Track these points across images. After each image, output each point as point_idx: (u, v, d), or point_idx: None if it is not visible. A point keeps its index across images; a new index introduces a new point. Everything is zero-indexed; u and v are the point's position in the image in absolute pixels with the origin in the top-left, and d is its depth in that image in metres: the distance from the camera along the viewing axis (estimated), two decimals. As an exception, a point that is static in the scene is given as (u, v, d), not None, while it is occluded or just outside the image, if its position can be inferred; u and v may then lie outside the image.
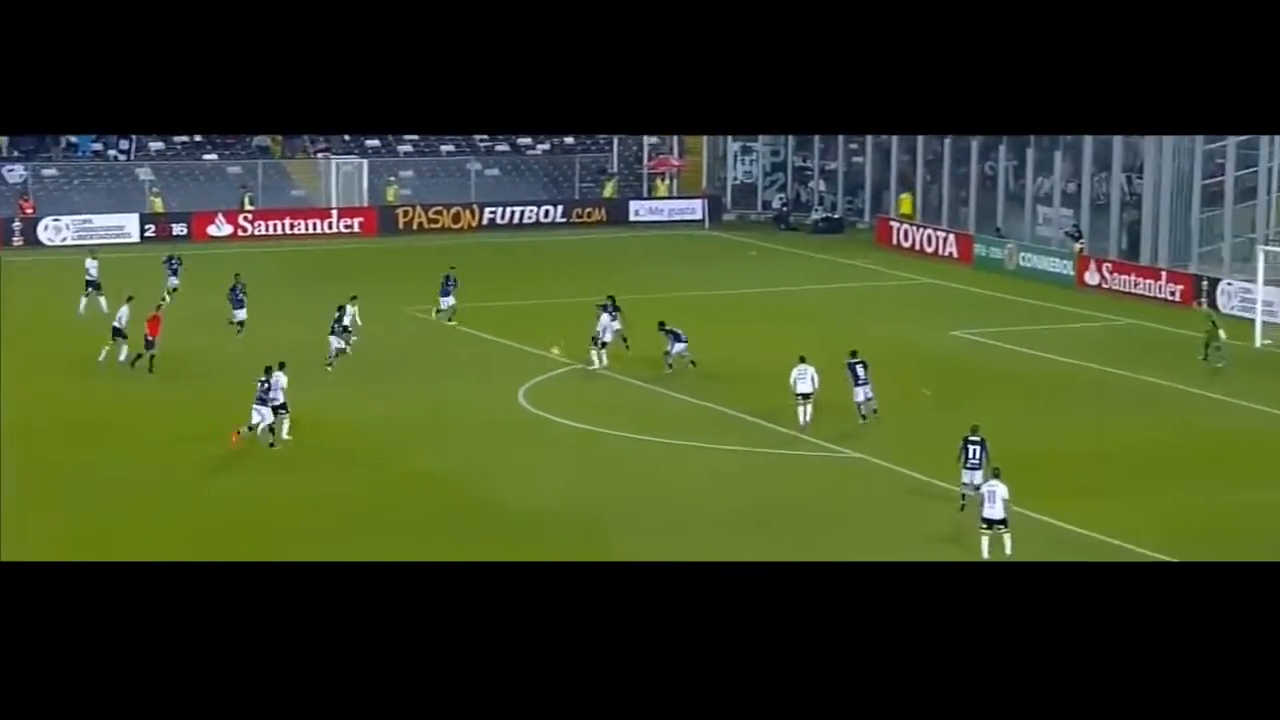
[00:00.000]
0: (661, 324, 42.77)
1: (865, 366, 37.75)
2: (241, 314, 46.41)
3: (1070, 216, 59.33)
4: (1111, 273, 54.98)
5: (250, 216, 64.62)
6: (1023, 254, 58.22)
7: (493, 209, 67.49)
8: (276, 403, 35.45)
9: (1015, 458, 31.71)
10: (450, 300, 47.56)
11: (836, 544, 30.09)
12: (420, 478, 34.18)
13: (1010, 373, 44.04)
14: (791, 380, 37.60)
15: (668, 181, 70.85)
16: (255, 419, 35.54)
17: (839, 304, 53.28)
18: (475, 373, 42.64)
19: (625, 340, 43.33)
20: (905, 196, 65.96)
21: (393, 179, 67.78)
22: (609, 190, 70.02)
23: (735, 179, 71.78)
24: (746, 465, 35.29)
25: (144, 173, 66.66)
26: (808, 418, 37.23)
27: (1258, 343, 46.28)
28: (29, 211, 63.15)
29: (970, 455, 31.66)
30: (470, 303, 47.82)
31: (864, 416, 37.65)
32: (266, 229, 64.71)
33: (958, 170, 64.14)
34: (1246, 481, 34.34)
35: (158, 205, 64.57)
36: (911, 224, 63.34)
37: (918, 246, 62.10)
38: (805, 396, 37.34)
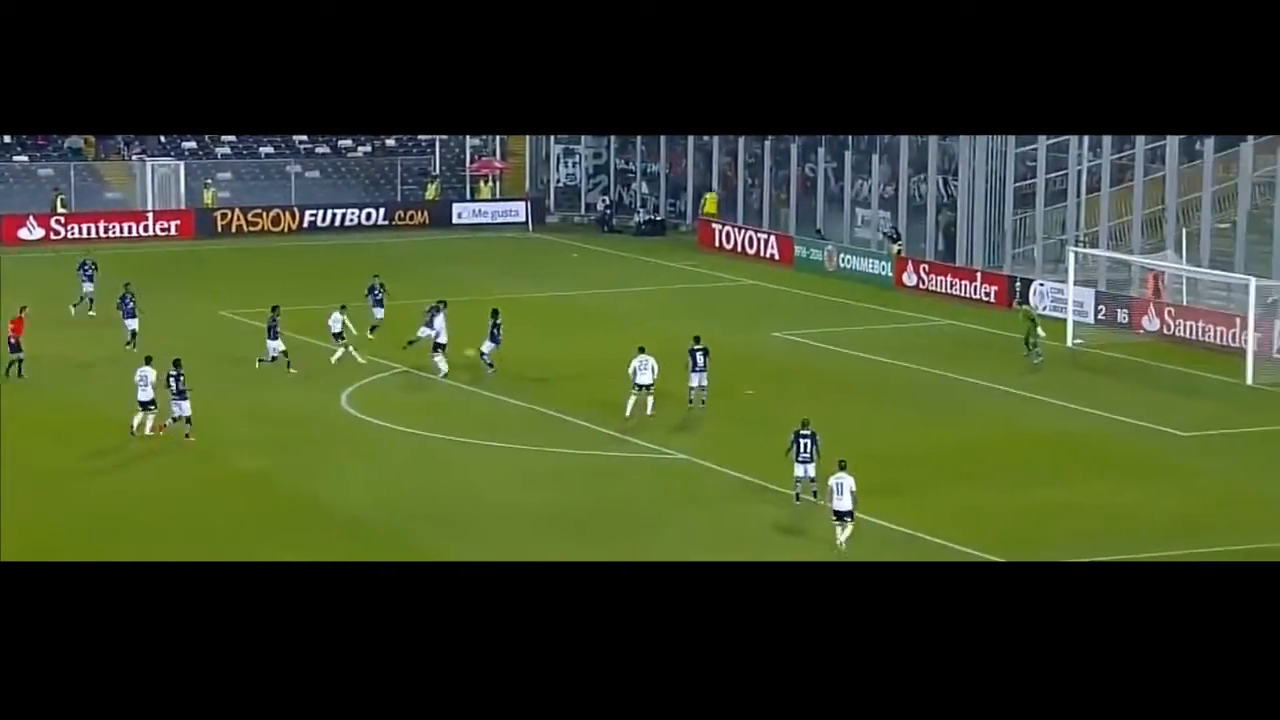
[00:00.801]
0: (495, 314, 43.01)
1: (705, 354, 38.72)
2: (133, 324, 45.38)
3: (888, 219, 60.59)
4: (928, 274, 56.26)
5: (63, 219, 63.86)
6: (842, 256, 59.35)
7: (313, 211, 67.33)
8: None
9: (834, 457, 32.53)
10: (380, 312, 46.93)
11: (658, 544, 30.72)
12: (241, 478, 34.29)
13: (830, 373, 45.01)
14: (631, 370, 38.37)
15: (490, 184, 71.18)
16: (176, 412, 36.28)
17: (662, 306, 53.99)
18: (298, 376, 42.68)
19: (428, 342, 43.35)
20: (710, 196, 67.00)
21: (210, 181, 67.35)
22: (431, 192, 70.18)
23: (558, 181, 72.29)
24: (569, 466, 35.81)
25: (-49, 174, 65.67)
26: (649, 410, 38.02)
27: (1070, 342, 47.69)
28: None
29: (801, 449, 32.51)
30: (292, 305, 47.79)
31: (691, 402, 38.49)
32: (80, 232, 63.97)
33: (778, 172, 65.16)
34: (1061, 479, 35.56)
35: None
36: (733, 226, 64.24)
37: (739, 248, 63.01)
38: (645, 388, 38.12)
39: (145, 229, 65.03)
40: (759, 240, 62.67)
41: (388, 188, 70.42)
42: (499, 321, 42.99)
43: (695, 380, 39.02)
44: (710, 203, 67.04)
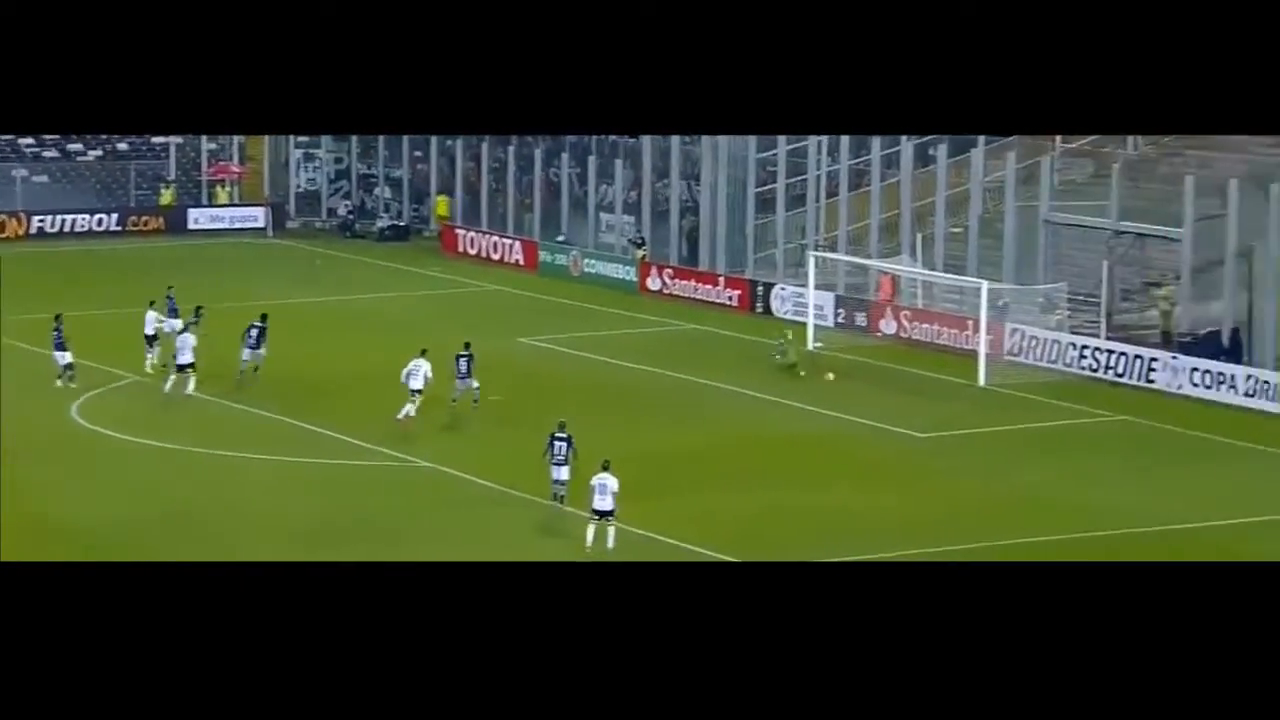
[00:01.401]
0: (264, 318, 42.98)
1: (470, 360, 39.54)
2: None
3: (633, 223, 61.45)
4: (672, 279, 57.22)
5: None
6: (587, 261, 60.06)
7: (42, 217, 65.99)
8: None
9: (581, 461, 33.11)
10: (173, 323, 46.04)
11: (407, 554, 30.96)
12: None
13: (576, 378, 45.64)
14: (404, 375, 38.83)
15: (228, 189, 70.47)
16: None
17: (407, 312, 54.12)
18: (23, 387, 41.84)
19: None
20: (442, 198, 67.41)
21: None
22: (167, 198, 69.26)
23: (298, 186, 71.85)
24: (317, 476, 35.90)
25: None
26: (412, 412, 38.58)
27: (810, 345, 48.95)
28: None
29: (556, 451, 33.01)
30: (16, 315, 46.90)
31: (454, 401, 39.46)
32: None
33: (523, 177, 65.63)
34: (801, 481, 36.61)
35: None
36: (477, 231, 64.54)
37: (484, 253, 63.36)
38: (417, 392, 38.68)
39: None
40: (503, 245, 63.10)
41: (120, 193, 69.30)
42: (264, 327, 42.78)
43: (460, 386, 39.39)
44: (441, 205, 67.39)
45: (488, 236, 63.97)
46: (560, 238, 62.64)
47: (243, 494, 34.45)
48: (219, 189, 70.34)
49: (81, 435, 38.57)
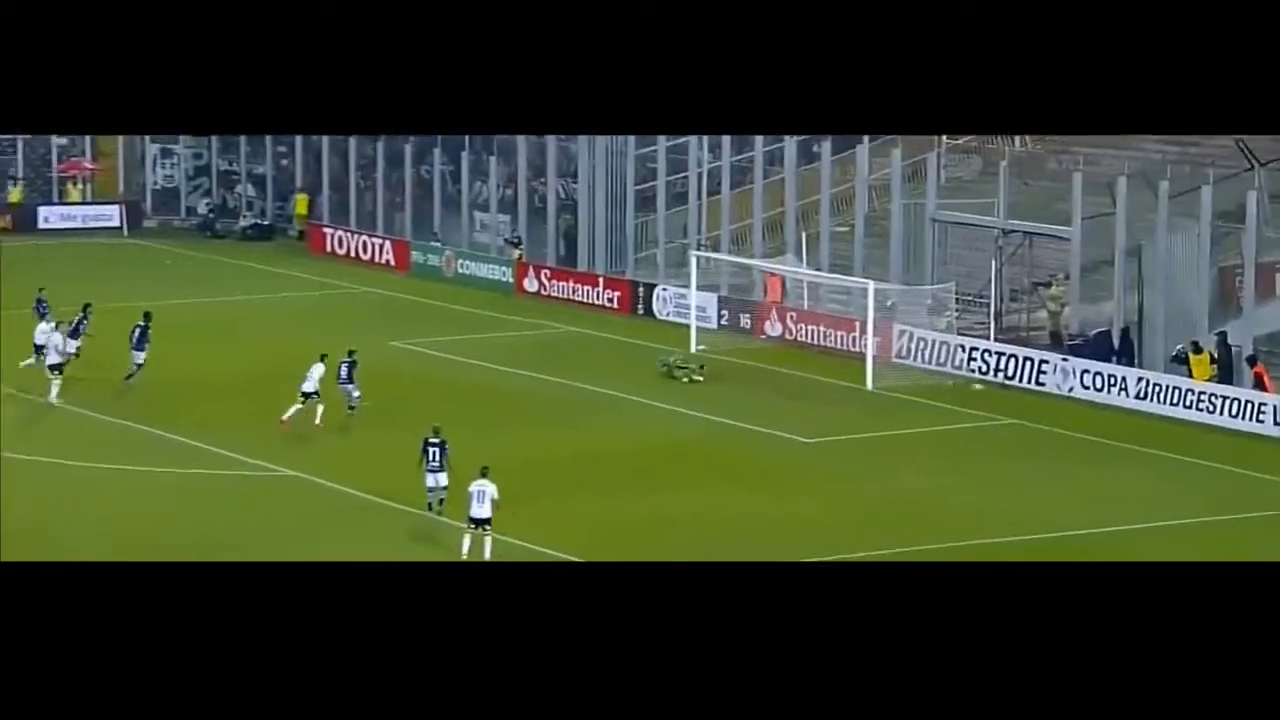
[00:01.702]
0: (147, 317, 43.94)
1: (353, 367, 40.88)
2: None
3: (508, 222, 61.97)
4: (550, 279, 57.87)
5: None
6: (461, 261, 60.58)
7: (-121, 217, 65.59)
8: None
9: (457, 468, 33.78)
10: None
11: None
12: None
13: (451, 383, 46.18)
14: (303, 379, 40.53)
15: (80, 186, 70.32)
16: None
17: (272, 315, 54.42)
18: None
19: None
20: (301, 196, 67.79)
21: None
22: (15, 195, 69.01)
23: (155, 184, 71.73)
24: (181, 488, 36.20)
25: None
26: (317, 419, 39.93)
27: (694, 348, 49.81)
28: None
29: (430, 457, 33.65)
30: None
31: (352, 408, 40.73)
32: None
33: (392, 174, 65.91)
34: (683, 487, 37.50)
35: None
36: (346, 230, 64.84)
37: (353, 253, 63.68)
38: (308, 396, 39.94)
39: None
40: (373, 245, 63.47)
41: (-57, 191, 68.85)
42: (146, 326, 43.32)
43: (344, 391, 40.85)
44: (300, 204, 67.79)
45: (357, 236, 64.27)
46: (433, 238, 63.09)
47: (93, 508, 34.69)
48: (70, 186, 70.15)
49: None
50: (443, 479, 33.33)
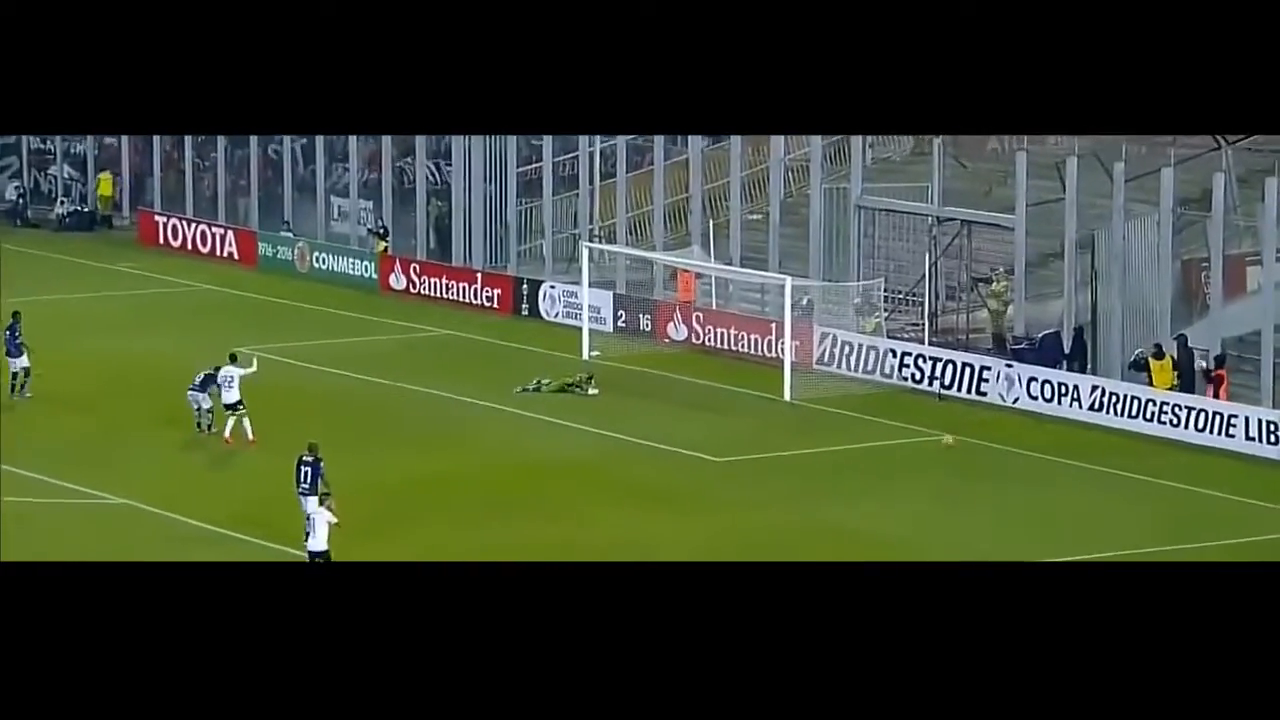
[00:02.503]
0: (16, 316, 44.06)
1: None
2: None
3: (371, 210, 61.94)
4: (420, 275, 57.96)
5: None
6: (317, 254, 60.55)
7: None
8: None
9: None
10: None
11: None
12: None
13: (307, 395, 46.24)
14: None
15: None
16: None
17: (99, 317, 54.24)
18: None
19: None
20: (104, 176, 67.99)
21: None
22: None
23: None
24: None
25: None
26: (249, 432, 41.24)
27: (585, 354, 50.16)
28: None
29: (302, 478, 33.90)
30: None
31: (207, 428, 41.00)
32: None
33: (235, 153, 65.68)
34: (569, 511, 37.90)
35: None
36: (181, 219, 64.61)
37: (190, 245, 63.47)
38: (231, 407, 41.41)
39: None
40: (214, 236, 63.35)
41: None
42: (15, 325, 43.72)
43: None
44: (104, 184, 68.04)
45: (194, 225, 64.11)
46: (284, 228, 63.00)
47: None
48: None
49: None
50: (311, 504, 33.45)
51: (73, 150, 70.52)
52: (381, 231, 60.56)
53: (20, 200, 69.27)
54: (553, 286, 55.09)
